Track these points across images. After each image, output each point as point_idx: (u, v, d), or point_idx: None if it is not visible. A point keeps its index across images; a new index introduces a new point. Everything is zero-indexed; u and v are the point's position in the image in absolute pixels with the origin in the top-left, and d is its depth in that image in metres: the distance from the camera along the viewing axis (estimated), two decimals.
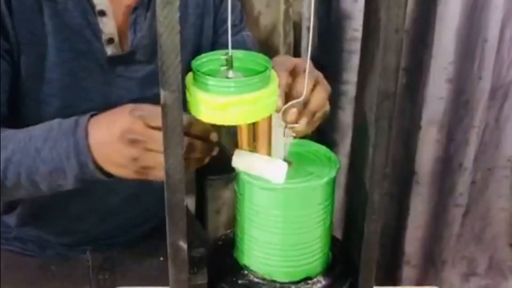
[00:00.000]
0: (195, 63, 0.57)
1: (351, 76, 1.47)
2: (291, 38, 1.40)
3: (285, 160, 0.61)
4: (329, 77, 0.73)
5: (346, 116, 1.49)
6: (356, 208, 0.65)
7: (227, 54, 0.56)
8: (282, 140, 0.61)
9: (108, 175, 0.69)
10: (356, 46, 1.46)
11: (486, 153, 1.60)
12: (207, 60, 0.58)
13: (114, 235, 0.98)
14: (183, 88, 0.55)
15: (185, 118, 0.60)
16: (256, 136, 0.60)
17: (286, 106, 0.60)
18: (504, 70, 1.52)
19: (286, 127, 0.61)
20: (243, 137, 0.62)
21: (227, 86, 0.54)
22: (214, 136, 0.64)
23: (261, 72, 0.56)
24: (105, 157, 0.67)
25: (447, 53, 1.40)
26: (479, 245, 1.72)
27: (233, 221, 0.66)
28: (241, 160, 0.60)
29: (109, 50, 0.84)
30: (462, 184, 1.59)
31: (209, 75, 0.55)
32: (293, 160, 0.63)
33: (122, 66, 0.85)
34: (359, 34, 1.47)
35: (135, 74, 0.86)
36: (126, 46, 0.85)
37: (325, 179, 0.59)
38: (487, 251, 1.73)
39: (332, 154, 0.63)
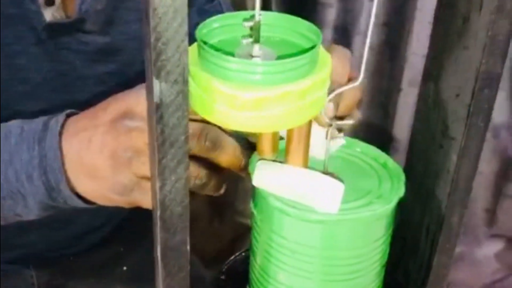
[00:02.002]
0: (201, 31, 0.37)
1: (325, 33, 1.31)
2: None
3: (326, 172, 0.42)
4: None
5: None
6: (416, 230, 0.47)
7: (252, 18, 0.35)
8: (325, 146, 0.42)
9: (88, 200, 0.49)
10: None
11: None
12: (219, 27, 0.38)
13: (64, 246, 0.77)
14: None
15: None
16: (289, 140, 0.41)
17: (336, 92, 0.40)
18: None
19: (331, 126, 0.41)
20: (266, 141, 0.42)
21: (261, 72, 0.34)
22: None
23: (308, 49, 0.36)
24: (79, 164, 0.47)
25: (434, 4, 1.25)
26: None
27: (249, 247, 0.47)
28: (267, 176, 0.41)
29: (48, 15, 0.62)
30: None
31: (218, 50, 0.35)
32: (337, 171, 0.43)
33: (67, 36, 0.64)
34: None
35: (83, 47, 0.66)
36: (72, 11, 0.64)
37: (393, 203, 0.41)
38: None
39: (390, 160, 0.45)
